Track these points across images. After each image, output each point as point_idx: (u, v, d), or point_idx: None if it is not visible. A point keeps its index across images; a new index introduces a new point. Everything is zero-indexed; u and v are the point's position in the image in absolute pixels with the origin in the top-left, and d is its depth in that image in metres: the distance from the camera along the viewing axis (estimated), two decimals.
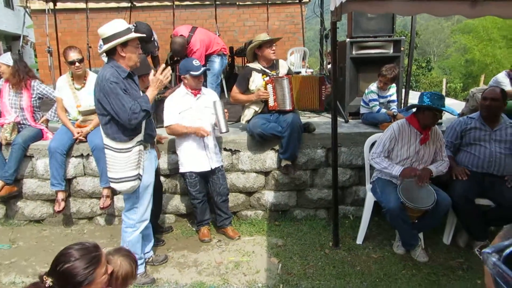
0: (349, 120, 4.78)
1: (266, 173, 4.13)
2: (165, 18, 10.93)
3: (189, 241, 3.80)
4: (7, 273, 3.26)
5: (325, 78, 4.22)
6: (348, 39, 4.85)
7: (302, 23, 9.91)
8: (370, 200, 3.56)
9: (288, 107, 3.97)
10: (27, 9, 9.95)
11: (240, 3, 11.34)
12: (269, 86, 3.95)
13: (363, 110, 4.60)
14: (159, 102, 4.54)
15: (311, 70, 9.97)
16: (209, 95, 3.71)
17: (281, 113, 3.98)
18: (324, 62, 5.73)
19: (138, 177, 2.84)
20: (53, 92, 4.14)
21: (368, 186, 3.68)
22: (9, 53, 4.10)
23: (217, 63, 5.43)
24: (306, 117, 4.96)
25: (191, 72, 3.47)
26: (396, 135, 3.35)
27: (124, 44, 2.71)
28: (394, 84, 4.51)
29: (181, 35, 5.15)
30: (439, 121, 4.12)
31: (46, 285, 1.66)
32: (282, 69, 4.14)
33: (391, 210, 3.16)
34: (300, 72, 6.71)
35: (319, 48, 5.79)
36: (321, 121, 4.80)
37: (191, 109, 3.54)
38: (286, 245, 3.63)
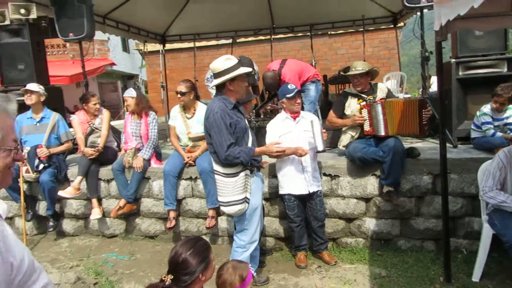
0: (458, 145, 4.46)
1: (367, 199, 4.03)
2: (260, 52, 11.57)
3: (289, 264, 3.83)
4: (128, 281, 3.64)
5: (426, 100, 4.01)
6: (453, 60, 4.61)
7: (397, 47, 9.66)
8: (487, 233, 3.23)
9: (381, 132, 3.86)
10: (141, 52, 11.31)
11: (332, 32, 11.49)
12: (364, 111, 3.91)
13: (474, 134, 4.27)
14: (257, 129, 4.80)
15: (409, 95, 9.58)
16: (309, 118, 3.73)
17: (380, 138, 3.89)
18: (426, 85, 5.48)
19: (245, 200, 2.98)
20: (155, 127, 4.54)
21: (484, 217, 3.35)
22: (131, 88, 4.72)
23: (312, 90, 5.53)
24: (408, 143, 4.76)
25: (286, 95, 3.60)
26: (505, 163, 3.03)
27: (233, 79, 2.94)
28: (511, 106, 4.12)
29: (273, 69, 5.40)
30: None
31: (166, 283, 1.87)
32: (380, 93, 4.07)
33: None
34: (398, 98, 6.48)
35: (420, 70, 5.56)
36: (425, 146, 4.57)
37: (291, 132, 3.63)
38: (391, 277, 3.45)
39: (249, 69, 3.23)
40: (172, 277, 1.90)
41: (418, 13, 5.68)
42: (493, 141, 3.97)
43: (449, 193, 3.63)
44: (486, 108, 4.14)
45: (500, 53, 4.57)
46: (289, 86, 3.65)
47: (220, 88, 3.00)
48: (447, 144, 4.31)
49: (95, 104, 4.67)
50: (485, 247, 3.23)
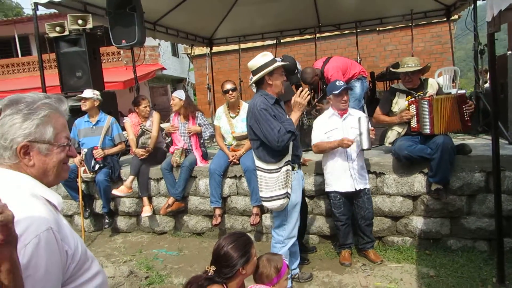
0: None
1: (414, 197, 3.91)
2: (306, 51, 11.52)
3: (333, 262, 3.81)
4: (177, 275, 3.81)
5: (467, 95, 3.82)
6: (509, 52, 4.35)
7: (451, 41, 9.19)
8: None
9: (427, 131, 3.73)
10: (190, 56, 11.70)
11: (381, 28, 11.18)
12: (412, 107, 3.81)
13: None
14: (301, 127, 4.81)
15: (463, 91, 9.10)
16: (356, 115, 3.68)
17: (428, 135, 3.76)
18: (480, 81, 5.20)
19: (287, 195, 3.01)
20: (206, 125, 4.72)
21: None
22: (181, 90, 4.92)
23: (357, 88, 5.45)
24: (460, 139, 4.55)
25: (333, 92, 3.59)
26: None
27: (271, 73, 2.99)
28: None
29: (316, 67, 5.38)
30: None
31: (209, 274, 1.96)
32: (431, 89, 3.94)
33: None
34: (450, 93, 6.20)
35: (473, 65, 5.30)
36: (477, 142, 4.35)
37: (337, 129, 3.62)
38: (439, 276, 3.33)
39: (286, 63, 3.28)
40: (215, 268, 2.00)
41: (472, 5, 5.43)
42: None
43: (503, 191, 3.44)
44: None
45: None
46: (337, 83, 3.64)
47: (259, 84, 3.06)
48: (503, 140, 4.11)
49: (145, 107, 4.92)
50: None
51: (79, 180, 4.76)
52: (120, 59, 14.56)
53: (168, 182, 4.68)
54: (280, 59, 5.31)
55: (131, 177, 4.74)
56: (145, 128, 4.93)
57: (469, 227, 3.74)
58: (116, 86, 10.88)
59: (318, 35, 9.04)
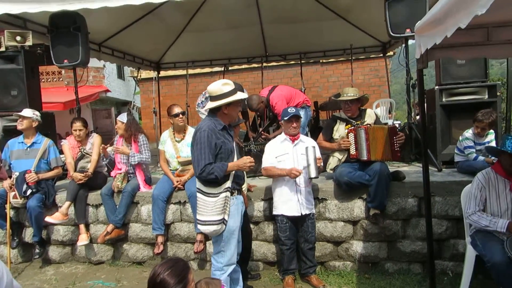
0: (443, 169, 4.54)
1: (354, 222, 4.06)
2: (253, 79, 11.78)
3: None
4: None
5: (398, 127, 4.13)
6: (437, 87, 4.77)
7: (387, 75, 9.90)
8: (471, 254, 3.25)
9: (364, 157, 3.95)
10: (136, 79, 11.50)
11: (324, 61, 11.80)
12: (351, 135, 4.02)
13: (458, 158, 4.36)
14: (249, 153, 4.85)
15: (398, 122, 9.75)
16: (307, 142, 3.80)
17: (366, 162, 3.97)
18: (413, 113, 5.63)
19: (223, 221, 2.96)
20: (144, 149, 4.54)
21: (468, 239, 3.38)
22: (125, 113, 4.78)
23: (302, 116, 5.64)
24: (395, 167, 4.83)
25: (284, 118, 3.72)
26: (484, 184, 3.11)
27: (229, 104, 3.01)
28: (492, 131, 4.24)
29: (262, 95, 5.55)
30: None
31: None
32: (368, 119, 4.19)
33: (497, 264, 2.85)
34: (386, 123, 6.62)
35: (405, 98, 5.73)
36: (411, 169, 4.64)
37: (288, 154, 3.71)
38: None
39: (245, 95, 3.33)
40: None
41: (404, 44, 5.92)
42: (475, 165, 4.04)
43: (434, 215, 3.68)
44: (468, 133, 4.25)
45: (481, 81, 4.76)
46: (289, 110, 3.77)
47: (214, 111, 3.05)
48: (432, 168, 4.42)
49: (76, 130, 4.63)
50: (469, 269, 3.25)
51: (7, 206, 4.40)
52: (61, 79, 13.93)
53: (108, 208, 4.45)
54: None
55: (67, 203, 4.46)
56: (85, 151, 4.70)
57: (405, 250, 3.93)
58: (55, 107, 10.33)
59: (265, 64, 9.35)
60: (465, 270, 3.29)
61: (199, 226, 3.06)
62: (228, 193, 2.99)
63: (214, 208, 2.93)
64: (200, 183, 3.01)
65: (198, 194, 3.03)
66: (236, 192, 3.11)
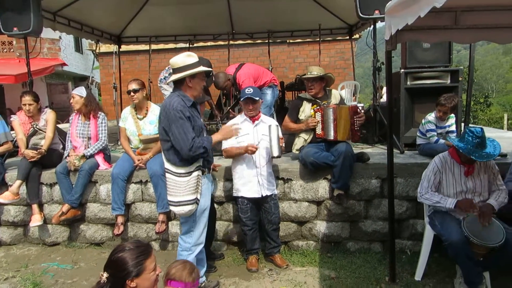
0: (405, 151, 4.65)
1: (318, 203, 4.08)
2: (219, 57, 11.50)
3: (240, 268, 3.78)
4: None
5: (359, 107, 4.15)
6: (402, 70, 4.82)
7: (352, 58, 9.98)
8: (429, 233, 3.36)
9: (331, 137, 3.95)
10: (95, 53, 10.92)
11: (291, 41, 11.70)
12: (318, 114, 3.99)
13: (419, 141, 4.47)
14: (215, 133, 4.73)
15: (362, 105, 9.92)
16: (268, 122, 3.74)
17: (331, 142, 3.97)
18: (377, 95, 5.69)
19: (196, 201, 2.91)
20: (102, 132, 4.37)
21: (426, 219, 3.49)
22: (82, 86, 4.50)
23: (268, 95, 5.55)
24: (359, 148, 4.89)
25: (241, 99, 3.62)
26: (440, 167, 3.22)
27: (193, 76, 2.89)
28: (453, 115, 4.36)
29: (228, 73, 5.39)
30: (503, 152, 3.91)
31: (102, 281, 1.76)
32: (334, 99, 4.17)
33: (454, 243, 2.96)
34: None
35: (372, 80, 5.77)
36: (374, 151, 4.72)
37: (249, 135, 3.63)
38: (340, 278, 3.50)
39: (209, 69, 3.22)
40: (107, 275, 1.79)
41: (372, 26, 5.92)
42: (436, 148, 4.15)
43: (395, 196, 3.76)
44: (431, 116, 4.35)
45: (444, 66, 4.85)
46: (246, 90, 3.66)
47: (178, 84, 2.94)
48: (395, 150, 4.50)
49: (26, 105, 4.31)
50: (426, 248, 3.37)
51: None
52: (12, 49, 13.01)
53: (63, 188, 4.22)
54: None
55: (19, 181, 4.18)
56: (37, 127, 4.40)
57: (366, 230, 4.02)
58: (6, 79, 9.62)
59: (231, 42, 9.10)
60: (423, 248, 3.41)
61: (171, 207, 2.98)
62: (199, 172, 2.92)
63: (187, 188, 2.85)
64: (169, 164, 2.90)
65: (168, 175, 2.92)
66: (207, 171, 3.04)
